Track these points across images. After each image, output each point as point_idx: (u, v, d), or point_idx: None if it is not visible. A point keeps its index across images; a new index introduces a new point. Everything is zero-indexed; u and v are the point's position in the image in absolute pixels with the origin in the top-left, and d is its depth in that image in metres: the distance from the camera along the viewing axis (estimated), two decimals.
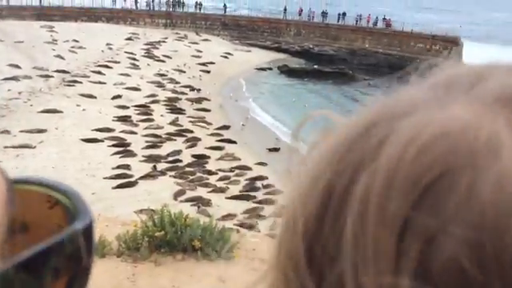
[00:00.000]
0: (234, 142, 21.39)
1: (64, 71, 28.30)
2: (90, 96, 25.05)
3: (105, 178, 16.18)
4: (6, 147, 17.58)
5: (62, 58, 30.63)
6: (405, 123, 0.29)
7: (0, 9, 42.12)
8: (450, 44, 40.92)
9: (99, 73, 29.20)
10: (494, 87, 0.30)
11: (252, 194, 16.26)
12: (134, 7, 46.56)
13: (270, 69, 37.86)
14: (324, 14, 46.75)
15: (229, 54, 38.86)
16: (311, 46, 43.78)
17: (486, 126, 0.27)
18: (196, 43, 40.24)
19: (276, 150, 21.28)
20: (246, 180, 17.62)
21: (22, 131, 19.22)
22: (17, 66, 27.06)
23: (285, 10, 48.16)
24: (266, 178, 17.41)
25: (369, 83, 37.03)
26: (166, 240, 7.10)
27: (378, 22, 45.38)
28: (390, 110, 0.31)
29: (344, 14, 46.76)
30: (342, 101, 32.22)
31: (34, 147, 18.01)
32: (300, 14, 47.45)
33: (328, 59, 41.57)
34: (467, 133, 0.27)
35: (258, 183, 17.28)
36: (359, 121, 0.32)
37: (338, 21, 46.14)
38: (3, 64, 26.72)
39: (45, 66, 28.21)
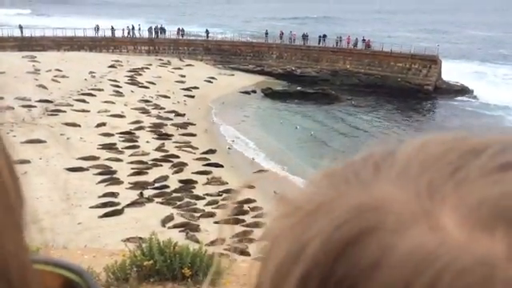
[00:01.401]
0: (221, 166, 21.39)
1: (47, 101, 28.15)
2: (74, 124, 24.91)
3: (91, 207, 15.99)
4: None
5: (45, 87, 30.50)
6: (399, 246, 0.28)
7: None
8: (429, 62, 41.94)
9: (83, 101, 29.11)
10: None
11: (241, 217, 16.19)
12: (115, 35, 46.79)
13: (254, 92, 38.21)
14: (305, 37, 47.60)
15: (212, 78, 39.16)
16: (293, 68, 44.42)
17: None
18: (179, 68, 40.51)
19: (263, 171, 21.34)
20: (235, 204, 17.50)
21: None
22: None
23: (266, 33, 48.93)
24: (255, 201, 17.37)
25: (352, 103, 37.60)
26: (156, 269, 7.01)
27: (357, 43, 46.35)
28: (375, 220, 0.29)
29: (324, 36, 47.69)
30: (327, 121, 32.61)
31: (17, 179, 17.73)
32: (281, 37, 48.23)
33: (310, 80, 42.18)
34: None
35: (246, 206, 17.23)
36: (335, 215, 0.31)
37: (319, 43, 46.99)
38: None
39: (27, 95, 28.02)
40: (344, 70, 44.24)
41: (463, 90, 42.05)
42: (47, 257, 0.45)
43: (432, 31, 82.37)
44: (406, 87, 40.99)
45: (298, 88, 39.57)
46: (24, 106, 26.57)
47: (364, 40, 46.37)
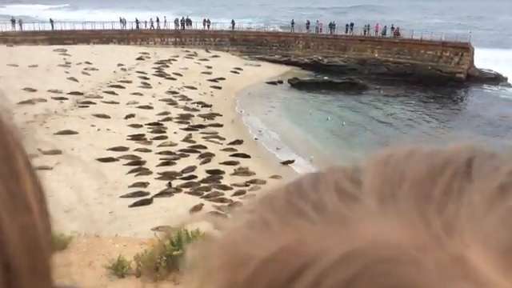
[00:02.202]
0: (248, 157, 21.42)
1: (78, 93, 28.75)
2: (104, 116, 25.37)
3: (121, 197, 16.29)
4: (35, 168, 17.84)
5: (76, 80, 31.16)
6: None
7: (14, 34, 43.14)
8: (461, 50, 40.72)
9: (112, 93, 29.61)
10: None
11: None
12: (139, 27, 47.31)
13: (281, 82, 38.00)
14: (332, 26, 46.93)
15: (239, 69, 39.14)
16: (320, 58, 43.92)
17: None
18: (206, 60, 40.66)
19: (290, 162, 21.29)
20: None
21: (38, 153, 19.50)
22: (32, 90, 27.59)
23: (292, 23, 48.48)
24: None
25: (381, 92, 36.94)
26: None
27: (386, 31, 45.37)
28: (388, 277, 0.23)
29: (352, 24, 46.90)
30: (356, 111, 32.12)
31: (51, 168, 18.22)
32: (308, 27, 47.69)
33: (338, 70, 41.62)
34: None
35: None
36: (318, 270, 0.25)
37: (346, 31, 46.24)
38: (19, 88, 27.27)
39: (59, 88, 28.70)
40: (372, 58, 43.47)
41: (497, 78, 40.69)
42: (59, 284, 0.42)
43: (465, 18, 79.85)
44: (436, 75, 39.96)
45: (325, 78, 39.11)
46: (56, 99, 27.23)
47: (393, 28, 45.37)
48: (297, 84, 37.53)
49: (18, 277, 0.28)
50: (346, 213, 0.26)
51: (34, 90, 27.60)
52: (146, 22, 47.44)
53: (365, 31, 46.11)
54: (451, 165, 0.27)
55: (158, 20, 47.71)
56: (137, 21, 47.15)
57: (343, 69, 42.20)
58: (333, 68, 42.15)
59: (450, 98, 36.82)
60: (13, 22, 44.64)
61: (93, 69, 34.03)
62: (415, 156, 0.29)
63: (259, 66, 41.59)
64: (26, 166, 0.33)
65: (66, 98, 27.58)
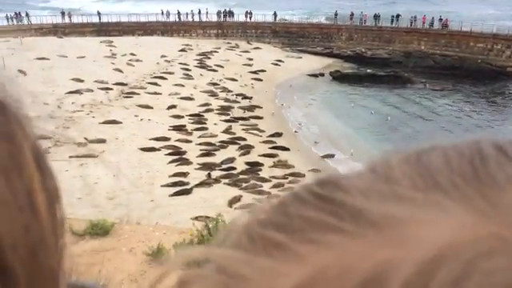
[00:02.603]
0: (287, 149, 21.32)
1: (122, 83, 29.52)
2: (147, 107, 25.94)
3: (162, 186, 16.62)
4: (70, 157, 18.53)
5: (121, 71, 32.00)
6: None
7: (63, 26, 44.77)
8: None
9: (155, 84, 30.21)
10: None
11: None
12: (181, 19, 47.91)
13: (322, 75, 37.50)
14: (376, 17, 45.77)
15: (280, 61, 38.94)
16: (364, 50, 42.98)
17: None
18: (247, 52, 40.70)
19: (330, 156, 21.03)
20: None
21: (85, 142, 20.21)
22: (79, 80, 28.57)
23: (336, 14, 47.66)
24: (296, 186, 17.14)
25: (426, 86, 35.75)
26: None
27: (434, 23, 43.77)
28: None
29: (398, 15, 45.56)
30: (400, 105, 31.25)
31: (97, 156, 18.85)
32: (351, 18, 46.74)
33: (382, 63, 40.60)
34: None
35: (286, 193, 17.01)
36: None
37: (392, 23, 44.98)
38: (67, 78, 28.33)
39: (105, 79, 29.57)
40: (418, 51, 42.09)
41: None
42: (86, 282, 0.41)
43: None
44: (486, 69, 38.17)
45: (368, 70, 38.23)
46: (102, 89, 28.09)
47: (441, 19, 43.70)
48: (339, 77, 36.92)
49: (15, 275, 0.27)
50: (394, 215, 0.22)
51: (82, 81, 28.56)
52: (187, 14, 48.01)
53: (411, 23, 44.68)
54: (483, 149, 0.25)
55: (199, 12, 48.15)
56: (178, 13, 47.78)
57: (387, 61, 41.11)
58: (376, 61, 41.15)
59: (501, 93, 35.10)
60: (62, 14, 46.32)
61: (137, 60, 34.83)
62: (440, 148, 0.26)
63: (301, 58, 41.21)
64: (36, 160, 0.31)
65: (112, 89, 28.38)
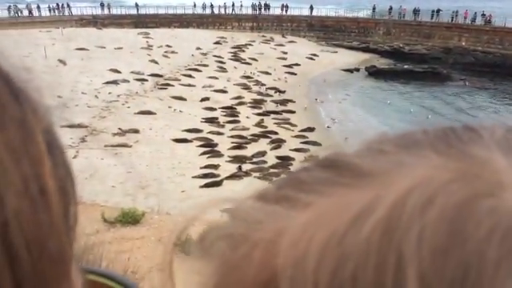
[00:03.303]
0: (319, 145, 21.09)
1: (158, 75, 29.96)
2: (181, 98, 26.23)
3: (193, 177, 16.78)
4: (106, 146, 18.98)
5: (156, 62, 32.48)
6: None
7: (103, 18, 45.80)
8: None
9: (189, 76, 30.50)
10: None
11: None
12: (214, 12, 48.10)
13: (357, 70, 36.85)
14: (416, 12, 44.53)
15: (314, 55, 38.52)
16: (401, 46, 41.95)
17: None
18: (282, 45, 40.46)
19: None
20: None
21: (120, 131, 20.65)
22: (116, 71, 29.18)
23: (374, 8, 46.68)
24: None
25: (465, 83, 34.55)
26: None
27: (476, 18, 42.19)
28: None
29: (438, 10, 44.17)
30: (437, 103, 30.33)
31: (131, 146, 19.23)
32: (390, 13, 45.66)
33: (420, 58, 39.50)
34: None
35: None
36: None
37: (432, 18, 43.66)
38: (105, 69, 28.98)
39: (141, 70, 30.08)
40: (458, 47, 40.71)
41: None
42: (91, 266, 0.43)
43: None
44: None
45: (406, 66, 37.28)
46: (138, 80, 28.60)
47: (483, 15, 42.06)
48: (374, 72, 36.18)
49: (21, 260, 0.27)
50: (379, 166, 0.28)
51: (119, 71, 29.16)
52: (219, 7, 48.15)
53: (452, 18, 43.25)
54: (455, 125, 0.31)
55: (233, 4, 48.16)
56: (211, 5, 47.98)
57: (426, 57, 39.96)
58: (414, 56, 40.08)
59: None
60: (102, 5, 47.38)
61: (172, 52, 35.25)
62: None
63: (336, 52, 40.62)
64: (48, 147, 0.32)
65: (147, 80, 28.85)
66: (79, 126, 19.77)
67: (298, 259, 0.25)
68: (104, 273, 0.45)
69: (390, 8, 46.00)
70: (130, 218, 8.29)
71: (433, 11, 44.06)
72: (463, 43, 40.92)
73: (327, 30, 45.02)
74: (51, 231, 0.30)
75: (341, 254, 0.24)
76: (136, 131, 20.78)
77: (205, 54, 35.96)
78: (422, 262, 0.23)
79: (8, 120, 0.29)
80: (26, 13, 42.95)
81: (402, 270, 0.23)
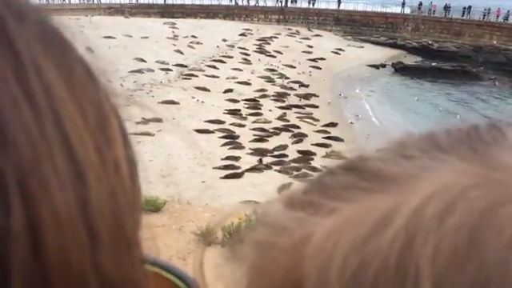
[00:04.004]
0: (341, 140, 20.89)
1: (182, 65, 30.10)
2: (205, 89, 26.32)
3: (214, 168, 16.85)
4: (129, 134, 19.20)
5: (181, 52, 32.62)
6: None
7: (130, 7, 46.22)
8: None
9: (214, 67, 30.55)
10: None
11: None
12: (238, 3, 47.91)
13: (384, 66, 36.26)
14: (446, 8, 43.47)
15: (340, 49, 38.06)
16: (430, 42, 41.06)
17: None
18: (307, 39, 40.10)
19: None
20: None
21: (143, 120, 20.86)
22: (142, 60, 29.44)
23: (403, 4, 45.78)
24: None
25: (495, 83, 33.62)
26: None
27: (509, 17, 40.93)
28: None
29: (469, 7, 43.02)
30: (466, 102, 29.61)
31: (153, 135, 19.41)
32: (420, 8, 44.70)
33: (449, 56, 38.60)
34: None
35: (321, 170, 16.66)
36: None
37: (463, 15, 42.56)
38: (130, 58, 29.28)
39: (166, 60, 30.28)
40: (490, 46, 39.60)
41: None
42: (155, 258, 0.42)
43: None
44: None
45: (434, 64, 36.49)
46: (162, 69, 28.80)
47: None
48: (401, 69, 35.53)
49: (102, 241, 0.27)
50: (402, 171, 0.28)
51: (144, 61, 29.41)
52: None
53: (484, 15, 42.07)
54: (478, 125, 0.30)
55: None
56: None
57: (455, 55, 39.01)
58: (443, 54, 39.17)
59: None
60: None
61: (198, 43, 35.34)
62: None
63: (362, 47, 40.04)
64: (120, 128, 0.32)
65: (171, 70, 29.02)
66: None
67: (323, 265, 0.25)
68: (166, 266, 0.44)
69: (420, 4, 45.05)
70: (152, 206, 8.36)
71: (464, 8, 42.96)
72: (494, 42, 39.81)
73: (354, 25, 44.40)
74: (127, 215, 0.29)
75: (362, 261, 0.24)
76: (159, 120, 20.97)
77: (230, 46, 35.94)
78: (437, 274, 0.22)
79: (87, 101, 0.29)
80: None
81: (418, 283, 0.23)
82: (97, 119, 0.29)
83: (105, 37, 32.67)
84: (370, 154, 0.31)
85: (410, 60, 37.96)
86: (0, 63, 0.25)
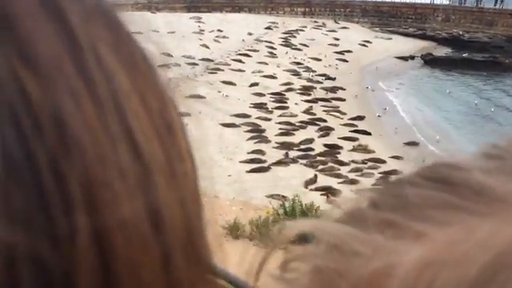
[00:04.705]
0: (369, 134, 20.64)
1: (208, 59, 30.24)
2: (230, 83, 26.39)
3: (240, 162, 16.93)
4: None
5: (207, 47, 32.76)
6: None
7: (156, 2, 46.65)
8: None
9: (239, 61, 30.58)
10: None
11: None
12: None
13: (412, 58, 35.50)
14: None
15: (368, 42, 37.46)
16: (461, 33, 39.94)
17: None
18: (334, 31, 39.63)
19: (414, 144, 20.04)
20: (380, 173, 16.86)
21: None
22: (168, 55, 29.50)
23: None
24: (401, 173, 16.48)
25: None
26: None
27: None
28: None
29: None
30: (498, 94, 28.77)
31: None
32: None
33: (480, 47, 37.45)
34: None
35: (393, 178, 16.41)
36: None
37: (495, 4, 41.21)
38: (157, 53, 29.52)
39: (192, 54, 30.48)
40: None
41: None
42: (218, 266, 0.37)
43: None
44: None
45: (464, 55, 35.51)
46: (189, 64, 28.99)
47: None
48: (431, 60, 34.70)
49: (174, 258, 0.24)
50: None
51: (171, 55, 29.68)
52: None
53: None
54: None
55: None
56: None
57: (487, 46, 37.81)
58: (475, 45, 38.01)
59: None
60: None
61: (223, 37, 35.41)
62: None
63: (390, 39, 39.29)
64: (181, 125, 0.28)
65: (198, 64, 29.20)
66: None
67: None
68: (230, 278, 0.40)
69: None
70: None
71: None
72: None
73: (382, 16, 43.60)
74: (197, 225, 0.25)
75: None
76: (186, 115, 21.10)
77: (256, 40, 35.88)
78: None
79: (150, 92, 0.26)
80: None
81: None
82: (160, 113, 0.26)
83: (132, 32, 33.09)
84: (464, 163, 0.24)
85: (440, 51, 37.04)
86: (55, 44, 0.22)
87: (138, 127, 0.24)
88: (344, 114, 23.03)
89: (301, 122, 21.60)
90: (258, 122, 21.30)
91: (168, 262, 0.23)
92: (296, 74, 29.37)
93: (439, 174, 0.24)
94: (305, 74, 29.46)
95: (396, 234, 0.23)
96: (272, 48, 34.50)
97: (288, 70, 29.81)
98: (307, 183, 15.78)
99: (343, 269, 0.23)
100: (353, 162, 17.94)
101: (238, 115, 21.57)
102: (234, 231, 7.15)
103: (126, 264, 0.22)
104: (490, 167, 0.23)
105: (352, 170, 17.17)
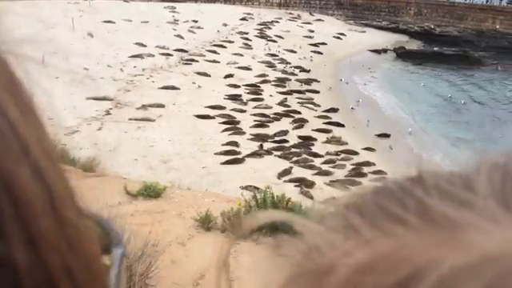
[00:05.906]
0: (342, 126, 20.90)
1: (183, 50, 29.92)
2: (205, 74, 26.21)
3: (215, 154, 16.90)
4: (130, 119, 19.22)
5: (182, 37, 32.40)
6: None
7: None
8: None
9: (214, 52, 30.37)
10: None
11: (357, 179, 15.79)
12: None
13: (385, 51, 36.04)
14: None
15: (342, 34, 37.79)
16: (432, 27, 40.73)
17: None
18: (309, 23, 39.79)
19: (386, 136, 20.41)
20: (353, 165, 17.14)
21: (144, 105, 20.84)
22: (142, 45, 29.26)
23: None
24: (374, 165, 16.77)
25: (497, 67, 33.45)
26: None
27: None
28: None
29: None
30: (468, 87, 29.51)
31: (154, 120, 19.42)
32: None
33: (451, 41, 38.33)
34: None
35: (365, 169, 16.71)
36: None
37: None
38: (131, 42, 29.10)
39: (166, 44, 30.09)
40: (492, 30, 39.27)
41: None
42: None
43: None
44: None
45: (436, 49, 36.27)
46: (163, 55, 28.63)
47: None
48: (403, 54, 35.33)
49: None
50: (458, 219, 0.23)
51: (144, 45, 29.24)
52: None
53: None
54: None
55: None
56: None
57: (457, 40, 38.74)
58: (445, 38, 38.89)
59: None
60: None
61: (198, 27, 35.08)
62: None
63: (364, 32, 39.75)
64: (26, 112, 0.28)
65: (172, 55, 28.86)
66: (104, 98, 20.02)
67: None
68: (95, 217, 0.41)
69: None
70: (152, 192, 8.43)
71: None
72: (497, 26, 39.44)
73: (356, 9, 44.00)
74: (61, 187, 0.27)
75: None
76: (160, 106, 20.94)
77: (230, 30, 35.67)
78: None
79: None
80: None
81: None
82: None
83: (104, 21, 32.44)
84: (433, 181, 0.25)
85: (412, 45, 37.72)
86: None
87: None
88: (318, 106, 23.23)
89: (275, 113, 21.67)
90: (233, 113, 21.26)
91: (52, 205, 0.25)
92: (271, 65, 29.38)
93: (409, 186, 0.26)
94: (280, 66, 29.52)
95: (352, 237, 0.25)
96: (247, 39, 34.38)
97: (263, 62, 29.77)
98: (281, 175, 15.92)
99: (310, 257, 0.26)
100: (326, 153, 18.17)
101: (212, 107, 21.48)
102: (206, 223, 7.16)
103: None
104: (447, 189, 0.24)
105: (325, 162, 17.39)
